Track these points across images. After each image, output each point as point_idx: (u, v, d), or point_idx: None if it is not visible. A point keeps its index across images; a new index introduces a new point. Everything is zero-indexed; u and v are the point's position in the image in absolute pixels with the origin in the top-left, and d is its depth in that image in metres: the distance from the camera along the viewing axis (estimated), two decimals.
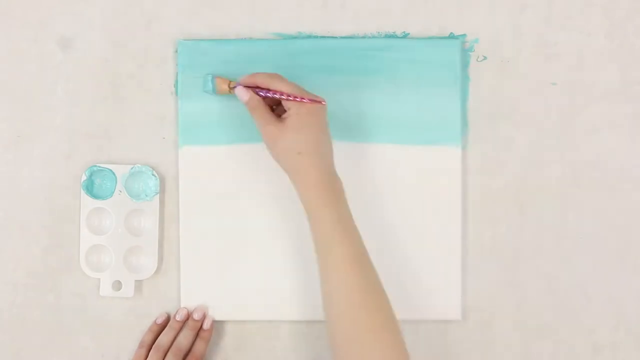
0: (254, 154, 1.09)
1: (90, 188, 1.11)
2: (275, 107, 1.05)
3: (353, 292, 0.95)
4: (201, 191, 1.10)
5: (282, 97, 1.01)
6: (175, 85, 1.11)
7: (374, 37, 1.11)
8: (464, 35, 1.11)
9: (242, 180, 1.10)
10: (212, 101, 1.09)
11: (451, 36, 1.11)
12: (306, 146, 0.99)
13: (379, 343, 0.93)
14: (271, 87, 1.02)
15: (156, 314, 1.11)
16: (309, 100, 1.00)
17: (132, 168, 1.11)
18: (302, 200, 0.98)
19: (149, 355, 1.06)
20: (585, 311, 1.12)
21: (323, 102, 1.01)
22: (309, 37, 1.11)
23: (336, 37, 1.11)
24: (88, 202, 1.11)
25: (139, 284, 1.12)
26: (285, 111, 1.02)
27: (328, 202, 0.97)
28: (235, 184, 1.10)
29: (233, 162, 1.10)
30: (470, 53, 1.11)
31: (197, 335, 1.09)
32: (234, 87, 1.05)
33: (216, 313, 1.11)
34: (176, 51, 1.11)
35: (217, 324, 1.11)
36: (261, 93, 1.03)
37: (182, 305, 1.10)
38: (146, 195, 1.11)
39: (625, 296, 1.12)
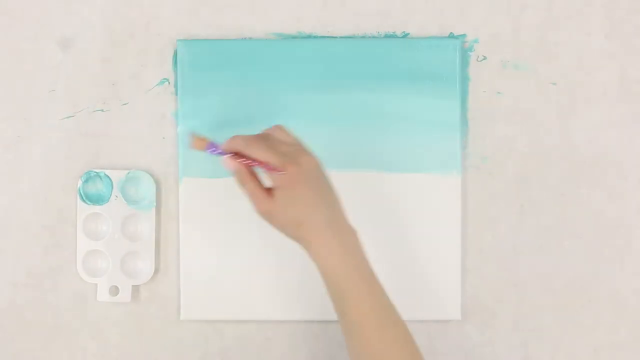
0: None
1: (86, 193, 1.11)
2: None
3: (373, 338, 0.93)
4: (201, 195, 1.10)
5: (261, 166, 0.95)
6: (175, 86, 1.11)
7: (373, 37, 1.11)
8: (464, 35, 1.11)
9: None
10: (213, 100, 1.10)
11: (451, 36, 1.11)
12: (302, 217, 0.94)
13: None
14: (247, 155, 0.95)
15: (156, 317, 1.11)
16: (278, 170, 0.93)
17: (128, 173, 1.10)
18: (316, 263, 0.94)
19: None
20: (585, 311, 1.12)
21: (283, 171, 0.93)
22: (309, 37, 1.11)
23: (336, 37, 1.11)
24: (84, 208, 1.11)
25: (136, 289, 1.12)
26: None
27: (339, 254, 0.93)
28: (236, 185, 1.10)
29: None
30: (470, 53, 1.11)
31: None
32: (211, 150, 0.97)
33: (216, 313, 1.11)
34: (176, 51, 1.11)
35: (218, 324, 1.12)
36: (245, 161, 0.95)
37: (182, 307, 1.10)
38: (142, 200, 1.11)
39: (625, 296, 1.12)
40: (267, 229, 1.10)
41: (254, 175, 0.96)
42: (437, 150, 1.10)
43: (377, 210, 1.10)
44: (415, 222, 1.10)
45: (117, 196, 1.10)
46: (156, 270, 1.11)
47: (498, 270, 1.12)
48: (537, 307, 1.12)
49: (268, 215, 0.95)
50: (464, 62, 1.11)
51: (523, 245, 1.12)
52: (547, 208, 1.11)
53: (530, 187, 1.11)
